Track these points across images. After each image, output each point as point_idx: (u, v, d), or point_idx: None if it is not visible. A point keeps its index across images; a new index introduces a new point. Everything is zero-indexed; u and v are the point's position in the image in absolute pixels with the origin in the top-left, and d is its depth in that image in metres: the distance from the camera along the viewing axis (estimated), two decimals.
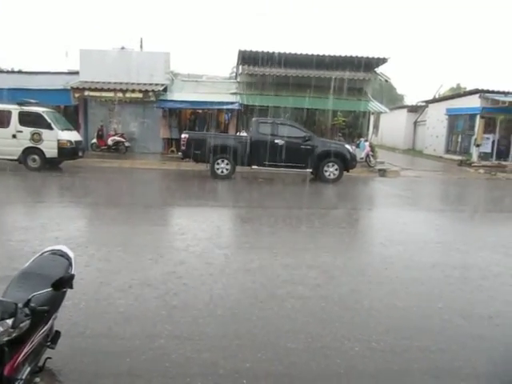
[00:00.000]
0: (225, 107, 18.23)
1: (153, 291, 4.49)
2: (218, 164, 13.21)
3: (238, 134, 16.74)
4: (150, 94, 17.78)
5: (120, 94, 17.71)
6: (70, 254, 3.02)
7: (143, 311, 4.04)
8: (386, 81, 20.05)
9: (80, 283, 4.28)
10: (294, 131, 13.48)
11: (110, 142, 18.37)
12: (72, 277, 2.44)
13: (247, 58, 18.80)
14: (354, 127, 19.40)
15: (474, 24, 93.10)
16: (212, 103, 17.96)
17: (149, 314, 3.98)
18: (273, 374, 3.18)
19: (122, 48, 19.30)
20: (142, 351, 3.34)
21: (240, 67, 19.89)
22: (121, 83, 17.88)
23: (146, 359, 3.25)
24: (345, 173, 13.70)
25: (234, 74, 21.96)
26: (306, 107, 18.11)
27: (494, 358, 3.52)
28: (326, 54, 18.25)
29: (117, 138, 18.44)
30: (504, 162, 20.60)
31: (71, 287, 2.49)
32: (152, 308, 4.11)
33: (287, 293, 4.63)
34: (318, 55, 18.18)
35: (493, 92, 20.55)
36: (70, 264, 2.91)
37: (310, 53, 18.28)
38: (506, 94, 20.41)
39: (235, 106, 17.92)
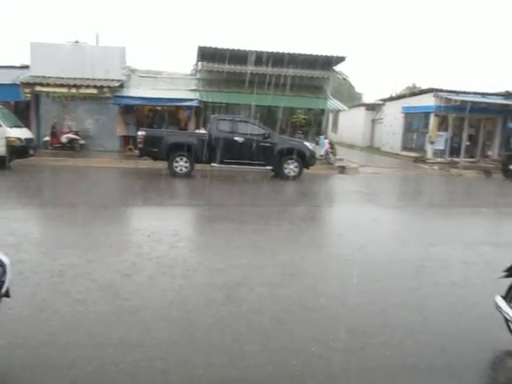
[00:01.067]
0: (184, 104, 17.92)
1: (103, 296, 4.28)
2: (176, 162, 12.95)
3: (197, 131, 16.50)
4: (106, 89, 17.21)
5: (74, 90, 17.05)
6: (6, 260, 2.79)
7: (91, 318, 3.82)
8: (345, 79, 20.33)
9: (22, 290, 4.02)
10: (254, 128, 13.42)
11: (63, 139, 17.65)
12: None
13: (206, 55, 18.55)
14: (314, 125, 19.55)
15: (428, 25, 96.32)
16: (170, 100, 17.62)
17: (97, 321, 3.77)
18: (227, 379, 3.07)
19: (76, 42, 18.59)
20: (87, 361, 3.14)
21: (199, 64, 19.61)
22: (74, 78, 17.23)
23: (93, 370, 3.06)
24: (305, 170, 13.77)
25: (194, 71, 21.66)
26: (265, 104, 18.09)
27: (448, 351, 3.56)
28: (286, 51, 18.27)
29: (71, 136, 17.76)
30: (456, 159, 21.37)
31: (7, 296, 2.28)
32: (101, 314, 3.90)
33: (245, 293, 4.53)
34: (277, 53, 18.16)
35: (446, 91, 21.26)
36: (5, 271, 2.69)
37: (269, 50, 18.25)
38: (457, 93, 21.17)
39: (194, 103, 17.65)
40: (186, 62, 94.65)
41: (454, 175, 17.99)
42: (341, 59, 18.76)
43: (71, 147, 17.58)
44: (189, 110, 18.58)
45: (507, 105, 20.96)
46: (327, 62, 18.87)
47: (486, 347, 3.69)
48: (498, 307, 3.66)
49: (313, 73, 18.44)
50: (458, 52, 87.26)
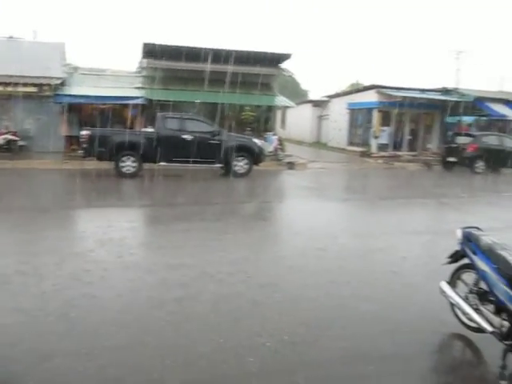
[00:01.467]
0: (129, 102, 17.39)
1: (48, 303, 4.06)
2: (123, 162, 12.55)
3: (144, 129, 16.08)
4: (46, 87, 16.40)
5: (10, 88, 16.09)
6: None
7: (36, 328, 3.61)
8: (291, 76, 20.60)
9: None
10: (202, 126, 13.28)
11: (0, 140, 16.63)
12: None
13: (152, 52, 18.10)
14: (263, 121, 19.65)
15: (370, 24, 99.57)
16: (115, 98, 17.07)
17: (43, 330, 3.57)
18: (183, 381, 3.00)
19: (10, 37, 17.55)
20: (31, 375, 2.96)
21: (144, 61, 19.13)
22: (11, 76, 16.24)
23: (38, 383, 2.88)
24: (254, 167, 13.80)
25: (140, 69, 21.10)
26: (213, 102, 17.96)
27: (398, 338, 3.68)
28: (233, 48, 18.21)
29: (8, 137, 16.71)
30: (399, 153, 22.24)
31: None
32: (47, 323, 3.69)
33: (198, 293, 4.47)
34: (224, 50, 18.05)
35: (388, 88, 22.07)
36: None
37: (216, 47, 18.12)
38: (399, 89, 22.03)
39: (140, 101, 17.21)
40: (130, 60, 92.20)
41: (398, 168, 18.71)
42: (287, 56, 18.96)
43: (9, 149, 16.55)
44: (135, 109, 18.09)
45: (444, 100, 22.08)
46: (274, 60, 19.01)
47: (433, 332, 3.86)
48: (443, 292, 3.83)
49: (260, 70, 18.50)
50: (399, 50, 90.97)
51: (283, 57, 18.95)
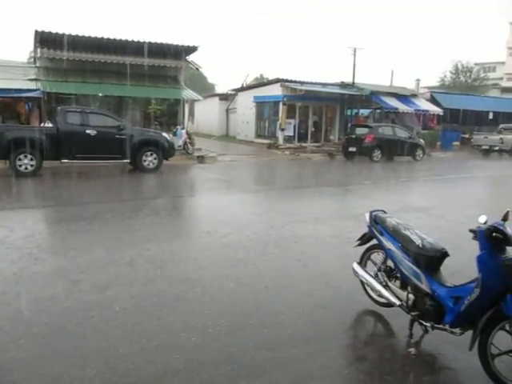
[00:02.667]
0: (23, 95, 15.98)
1: None
2: (20, 160, 11.51)
3: (42, 125, 14.89)
4: None
5: None
6: None
7: None
8: (197, 69, 20.38)
9: None
10: (107, 120, 12.66)
11: None
12: None
13: (47, 41, 16.74)
14: (170, 115, 19.25)
15: (273, 20, 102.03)
16: (6, 91, 15.54)
17: None
18: None
19: None
20: None
21: (38, 50, 17.64)
22: None
23: None
24: (164, 161, 13.50)
25: (33, 59, 19.36)
26: (117, 95, 17.19)
27: (318, 320, 3.86)
28: (137, 39, 17.52)
29: None
30: (304, 144, 23.20)
31: None
32: None
33: (114, 294, 4.27)
34: (127, 41, 17.32)
35: (291, 81, 22.84)
36: None
37: (118, 38, 17.29)
38: (302, 83, 22.91)
39: (36, 94, 15.87)
40: (20, 49, 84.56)
41: (304, 159, 19.51)
42: (193, 49, 18.72)
43: None
44: (29, 102, 16.66)
45: (344, 94, 23.43)
46: (180, 52, 18.65)
47: (348, 310, 4.11)
48: (355, 273, 4.09)
49: (166, 62, 18.06)
50: (301, 46, 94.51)
51: (190, 49, 18.68)
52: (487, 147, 22.80)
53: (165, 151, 13.36)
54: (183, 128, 18.16)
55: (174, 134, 17.02)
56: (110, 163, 13.05)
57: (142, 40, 17.52)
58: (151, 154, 13.05)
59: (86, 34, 16.63)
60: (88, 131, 12.11)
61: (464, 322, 3.12)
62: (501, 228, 2.90)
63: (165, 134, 13.84)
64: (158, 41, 17.78)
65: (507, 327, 2.96)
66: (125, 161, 12.94)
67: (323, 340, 3.54)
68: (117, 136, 12.48)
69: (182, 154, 16.86)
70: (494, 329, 2.97)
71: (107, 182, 11.86)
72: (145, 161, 12.97)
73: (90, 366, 3.04)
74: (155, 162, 13.12)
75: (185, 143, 17.47)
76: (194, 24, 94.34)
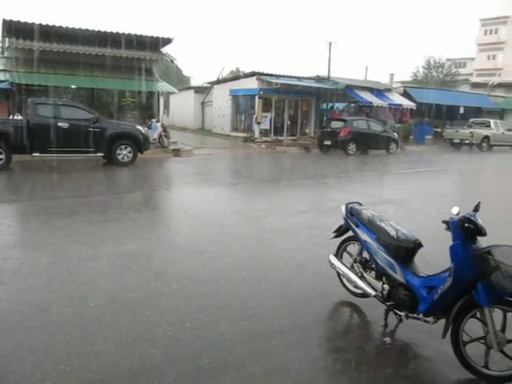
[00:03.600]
0: None
1: None
2: None
3: (11, 117, 14.43)
4: None
5: None
6: None
7: None
8: (172, 61, 20.11)
9: None
10: (80, 113, 12.36)
11: None
12: None
13: (15, 31, 16.18)
14: (145, 108, 18.95)
15: (248, 14, 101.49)
16: None
17: None
18: None
19: None
20: None
21: (7, 40, 17.04)
22: None
23: None
24: (139, 155, 13.31)
25: (1, 49, 18.67)
26: (90, 87, 16.82)
27: (294, 312, 3.88)
28: (110, 30, 17.13)
29: None
30: (280, 137, 23.25)
31: None
32: None
33: (89, 289, 4.19)
34: (100, 31, 16.91)
35: (267, 75, 22.80)
36: None
37: (91, 28, 16.88)
38: (277, 76, 22.90)
39: (4, 85, 15.37)
40: None
41: (280, 152, 19.55)
42: (168, 41, 18.46)
43: None
44: None
45: (319, 88, 23.55)
46: (154, 44, 18.36)
47: (325, 301, 4.15)
48: (332, 264, 4.13)
49: (140, 54, 17.73)
50: (278, 39, 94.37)
51: (164, 41, 18.40)
52: (458, 141, 23.37)
53: (139, 144, 13.15)
54: (158, 121, 17.91)
55: (149, 127, 16.77)
56: (83, 157, 12.78)
57: (115, 31, 17.17)
58: (125, 148, 12.83)
59: (57, 24, 16.18)
60: (60, 124, 11.80)
61: (437, 310, 3.19)
62: (472, 219, 2.97)
63: (139, 127, 13.63)
64: (132, 32, 17.50)
65: (478, 315, 3.04)
66: (98, 154, 12.70)
67: (300, 331, 3.57)
68: (90, 129, 12.21)
69: (157, 148, 16.65)
70: (466, 317, 3.05)
71: (80, 176, 11.60)
72: (119, 154, 12.75)
73: (64, 364, 2.98)
74: (130, 155, 12.91)
75: (160, 136, 17.24)
76: (169, 16, 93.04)
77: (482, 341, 3.03)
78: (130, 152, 12.89)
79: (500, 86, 38.64)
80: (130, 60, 17.48)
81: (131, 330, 3.46)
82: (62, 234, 6.04)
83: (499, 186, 12.49)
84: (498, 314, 2.99)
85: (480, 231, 2.96)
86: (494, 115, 28.66)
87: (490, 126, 23.80)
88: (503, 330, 2.98)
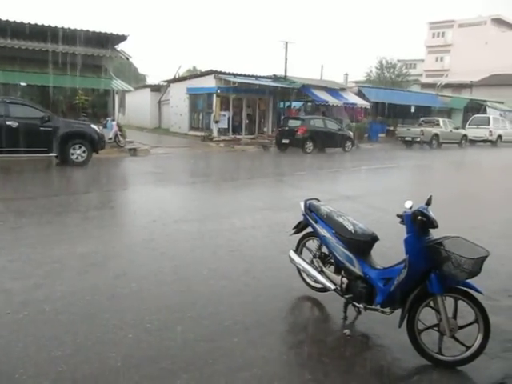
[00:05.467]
0: None
1: None
2: None
3: None
4: None
5: None
6: None
7: None
8: (127, 58, 19.64)
9: None
10: (30, 111, 11.85)
11: None
12: None
13: None
14: (99, 106, 18.43)
15: (206, 13, 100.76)
16: None
17: None
18: None
19: None
20: None
21: None
22: None
23: None
24: (94, 154, 12.93)
25: None
26: (41, 84, 16.15)
27: (257, 309, 3.91)
28: (61, 26, 16.48)
29: None
30: (239, 136, 23.27)
31: None
32: None
33: (44, 294, 4.04)
34: (51, 27, 16.21)
35: (225, 73, 22.73)
36: None
37: (41, 23, 16.17)
38: (235, 75, 22.88)
39: None
40: None
41: (239, 151, 19.58)
42: (122, 38, 18.00)
43: None
44: None
45: (276, 87, 23.74)
46: (108, 41, 17.84)
47: (286, 297, 4.21)
48: (292, 260, 4.19)
49: (93, 51, 17.18)
50: (235, 38, 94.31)
51: (119, 38, 17.93)
52: (410, 139, 24.28)
53: (94, 144, 12.77)
54: (113, 120, 17.48)
55: (104, 126, 16.35)
56: (34, 157, 12.26)
57: (67, 27, 16.56)
58: (79, 147, 12.43)
59: (4, 18, 15.42)
60: (9, 122, 11.26)
61: (393, 301, 3.31)
62: (425, 212, 3.11)
63: (94, 126, 13.22)
64: (85, 28, 16.91)
65: (432, 304, 3.18)
66: (51, 154, 12.22)
67: (263, 327, 3.60)
68: (41, 128, 11.74)
69: (112, 147, 16.25)
70: (420, 306, 3.18)
71: (32, 177, 11.13)
72: (73, 154, 12.33)
73: (19, 372, 2.86)
74: (84, 155, 12.52)
75: (116, 135, 16.84)
76: (124, 13, 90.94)
77: (436, 328, 3.17)
78: (84, 152, 12.50)
79: (447, 86, 40.51)
80: (84, 57, 16.92)
81: (90, 334, 3.37)
82: (13, 238, 5.79)
83: (449, 181, 13.08)
84: (449, 302, 3.14)
85: (432, 224, 3.09)
86: (443, 114, 29.96)
87: (439, 124, 24.90)
88: (455, 317, 3.14)
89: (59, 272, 4.60)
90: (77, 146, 12.36)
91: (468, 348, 3.11)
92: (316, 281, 3.98)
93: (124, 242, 5.89)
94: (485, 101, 34.29)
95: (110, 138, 16.33)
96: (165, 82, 28.96)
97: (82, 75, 16.78)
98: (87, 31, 16.97)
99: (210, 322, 3.64)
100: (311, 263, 4.07)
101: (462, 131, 26.44)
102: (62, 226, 6.56)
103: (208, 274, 4.68)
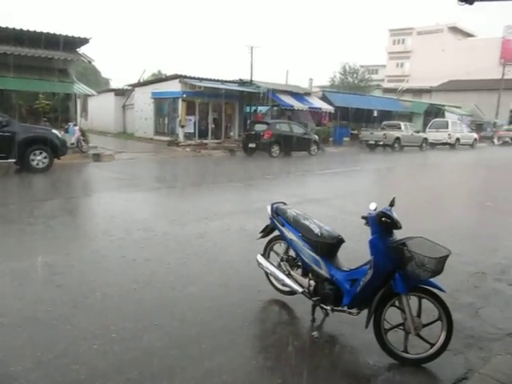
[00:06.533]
0: None
1: None
2: None
3: None
4: None
5: None
6: None
7: None
8: (90, 62, 19.22)
9: None
10: None
11: None
12: None
13: None
14: (61, 111, 17.92)
15: (172, 17, 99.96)
16: None
17: None
18: None
19: None
20: None
21: None
22: None
23: None
24: (56, 160, 12.54)
25: None
26: None
27: (224, 314, 3.88)
28: (20, 28, 15.92)
29: None
30: (205, 141, 23.15)
31: None
32: None
33: (2, 307, 3.87)
34: (9, 28, 15.59)
35: (190, 78, 22.59)
36: None
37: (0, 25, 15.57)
38: (201, 79, 22.77)
39: None
40: None
41: (205, 155, 19.46)
42: (84, 41, 17.58)
43: None
44: None
45: (242, 91, 23.79)
46: (70, 43, 17.36)
47: (254, 301, 4.19)
48: (259, 264, 4.18)
49: (54, 54, 16.69)
50: (201, 43, 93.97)
51: (81, 41, 17.49)
52: (373, 142, 24.85)
53: (56, 149, 12.38)
54: (76, 124, 17.02)
55: (66, 131, 15.87)
56: None
57: (26, 29, 16.03)
58: (40, 153, 12.02)
59: None
60: None
61: (360, 302, 3.36)
62: (388, 213, 3.17)
63: (55, 131, 12.83)
64: (46, 30, 16.39)
65: (397, 303, 3.24)
66: (10, 160, 11.78)
67: (231, 333, 3.57)
68: None
69: (75, 153, 15.81)
70: (386, 306, 3.24)
71: None
72: (33, 160, 11.91)
73: None
74: (45, 161, 12.12)
75: (78, 141, 16.37)
76: (86, 16, 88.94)
77: (401, 327, 3.24)
78: (45, 157, 12.10)
79: (408, 91, 41.84)
80: (44, 60, 16.41)
81: (52, 347, 3.25)
82: None
83: (412, 183, 13.46)
84: (414, 301, 3.22)
85: (395, 225, 3.16)
86: (404, 118, 30.87)
87: (400, 128, 25.62)
88: (419, 315, 3.21)
89: (18, 283, 4.42)
90: (37, 152, 11.95)
91: (432, 345, 3.19)
92: (284, 284, 3.99)
93: (87, 249, 5.71)
94: (443, 105, 35.64)
95: (73, 144, 15.88)
96: (129, 86, 28.48)
97: (43, 79, 16.30)
98: (48, 34, 16.48)
99: (177, 329, 3.58)
100: (279, 267, 4.08)
101: (423, 134, 27.31)
102: (22, 235, 6.31)
103: (175, 280, 4.61)
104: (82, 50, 18.18)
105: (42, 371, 2.95)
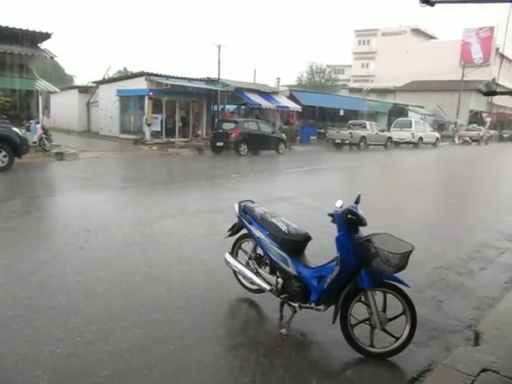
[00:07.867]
0: None
1: None
2: None
3: None
4: None
5: None
6: None
7: None
8: (52, 58, 18.62)
9: None
10: None
11: None
12: None
13: None
14: (22, 108, 17.29)
15: (140, 14, 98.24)
16: None
17: None
18: None
19: None
20: None
21: None
22: None
23: None
24: (16, 159, 12.11)
25: None
26: None
27: (192, 313, 3.85)
28: None
29: None
30: (172, 139, 22.90)
31: None
32: None
33: None
34: None
35: (157, 75, 22.27)
36: None
37: None
38: (167, 77, 22.49)
39: None
40: None
41: (172, 154, 19.26)
42: (46, 36, 17.01)
43: None
44: None
45: (210, 89, 23.65)
46: (31, 38, 16.76)
47: (222, 300, 4.18)
48: (227, 263, 4.17)
49: (14, 49, 16.08)
50: (167, 40, 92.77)
51: (42, 36, 16.91)
52: (339, 141, 25.25)
53: (16, 148, 11.96)
54: (38, 122, 16.48)
55: (28, 129, 15.33)
56: None
57: None
58: (0, 152, 11.58)
59: None
60: None
61: (327, 298, 3.40)
62: (354, 210, 3.22)
63: (16, 129, 12.38)
64: (5, 24, 15.77)
65: (363, 299, 3.30)
66: None
67: (199, 333, 3.54)
68: None
69: (37, 151, 15.32)
70: (352, 301, 3.30)
71: None
72: None
73: None
74: (5, 160, 11.67)
75: (40, 139, 15.86)
76: (49, 10, 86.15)
77: (367, 322, 3.30)
78: (5, 156, 11.66)
79: (373, 91, 42.74)
80: (3, 55, 15.80)
81: (12, 352, 3.13)
82: None
83: (377, 180, 13.75)
84: (379, 296, 3.28)
85: (361, 221, 3.22)
86: (369, 117, 31.47)
87: (366, 127, 26.14)
88: (384, 310, 3.28)
89: None
90: None
91: (397, 339, 3.27)
92: (252, 282, 4.00)
93: (50, 251, 5.53)
94: (407, 105, 36.60)
95: (35, 142, 15.38)
96: (93, 83, 27.79)
97: (3, 75, 15.72)
98: (8, 28, 15.86)
99: (144, 330, 3.52)
100: (247, 265, 4.08)
101: (387, 133, 27.97)
102: None
103: (141, 281, 4.53)
104: (43, 45, 17.62)
105: (2, 377, 2.84)
